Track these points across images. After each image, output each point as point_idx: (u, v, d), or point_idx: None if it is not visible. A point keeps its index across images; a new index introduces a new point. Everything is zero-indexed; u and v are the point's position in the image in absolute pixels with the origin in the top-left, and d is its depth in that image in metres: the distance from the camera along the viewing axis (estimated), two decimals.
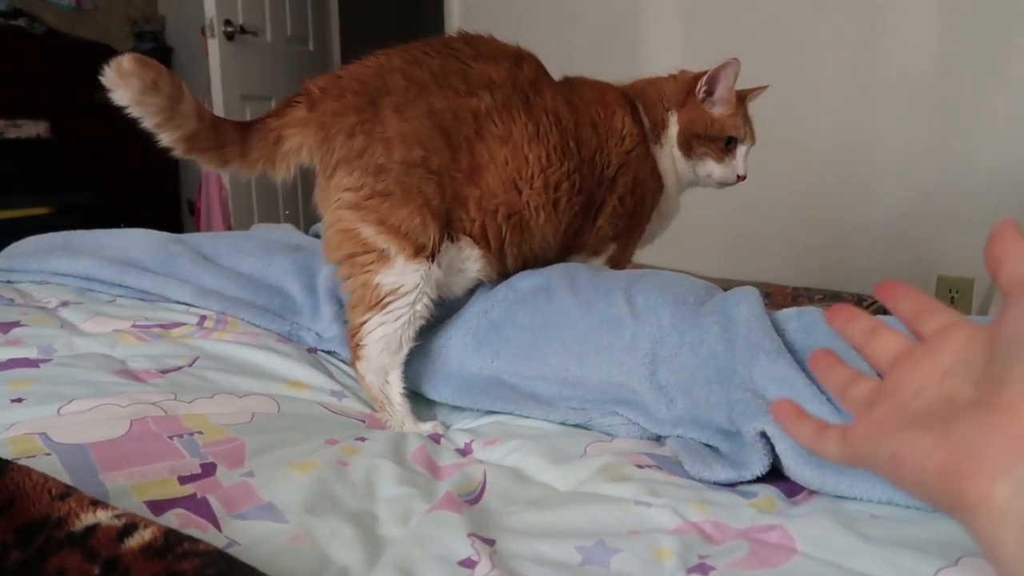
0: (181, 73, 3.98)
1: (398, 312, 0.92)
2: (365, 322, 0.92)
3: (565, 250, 1.13)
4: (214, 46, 2.94)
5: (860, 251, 2.38)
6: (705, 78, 1.21)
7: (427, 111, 0.97)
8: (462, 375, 0.93)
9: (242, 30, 3.02)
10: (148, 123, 0.92)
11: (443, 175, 0.96)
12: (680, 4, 2.59)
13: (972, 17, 2.14)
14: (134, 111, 0.91)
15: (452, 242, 0.98)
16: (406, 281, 0.92)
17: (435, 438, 0.81)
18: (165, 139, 0.95)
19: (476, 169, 0.99)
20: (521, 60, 1.07)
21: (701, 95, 1.21)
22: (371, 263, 0.92)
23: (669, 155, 1.22)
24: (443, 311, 1.01)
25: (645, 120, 1.20)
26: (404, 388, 0.90)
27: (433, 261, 0.94)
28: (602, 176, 1.11)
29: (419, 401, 0.93)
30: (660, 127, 1.21)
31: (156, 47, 3.93)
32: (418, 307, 0.93)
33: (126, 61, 0.87)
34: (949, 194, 2.23)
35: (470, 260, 1.00)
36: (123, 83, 0.88)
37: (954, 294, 2.25)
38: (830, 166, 2.40)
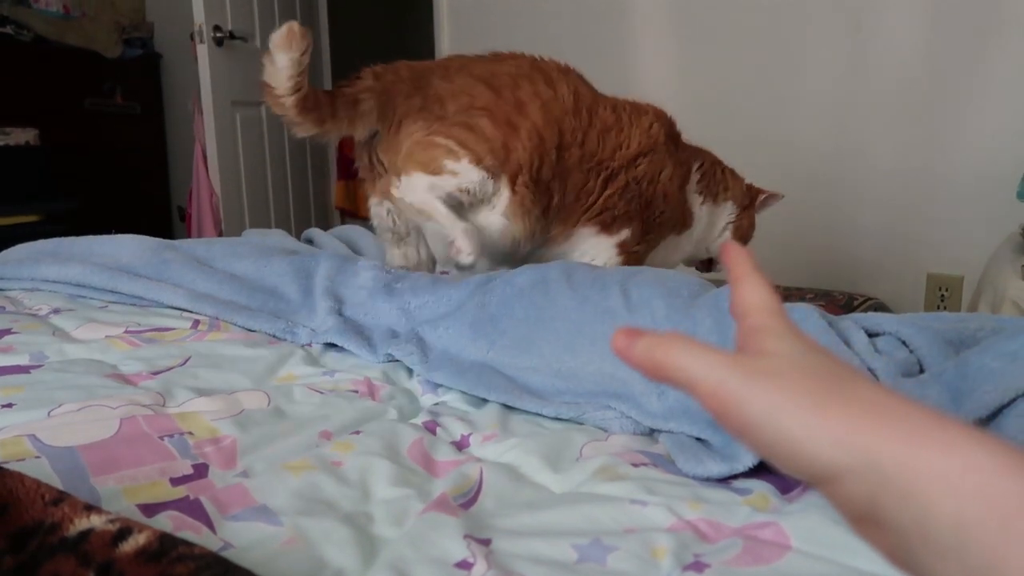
0: (170, 80, 3.99)
1: (446, 181, 1.18)
2: (410, 172, 1.19)
3: (572, 212, 1.33)
4: (203, 52, 2.94)
5: (850, 250, 2.40)
6: (768, 198, 1.58)
7: (468, 74, 1.25)
8: (458, 360, 0.93)
9: (231, 36, 3.02)
10: (289, 79, 1.15)
11: (491, 109, 1.22)
12: (667, 5, 2.60)
13: (957, 17, 2.16)
14: (288, 69, 1.14)
15: (493, 178, 1.22)
16: (463, 172, 1.19)
17: (431, 427, 0.80)
18: (290, 102, 1.17)
19: (520, 104, 1.23)
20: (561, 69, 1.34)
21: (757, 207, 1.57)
22: (438, 153, 1.18)
23: (704, 219, 1.50)
24: (440, 306, 1.02)
25: (698, 168, 1.48)
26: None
27: (488, 174, 1.20)
28: (616, 152, 1.32)
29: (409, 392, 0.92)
30: (714, 196, 1.51)
31: (145, 54, 3.92)
32: (461, 196, 1.20)
33: (295, 25, 1.13)
34: (937, 193, 2.24)
35: (498, 207, 1.24)
36: (289, 42, 1.12)
37: (944, 292, 2.26)
38: (819, 166, 2.41)
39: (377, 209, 1.33)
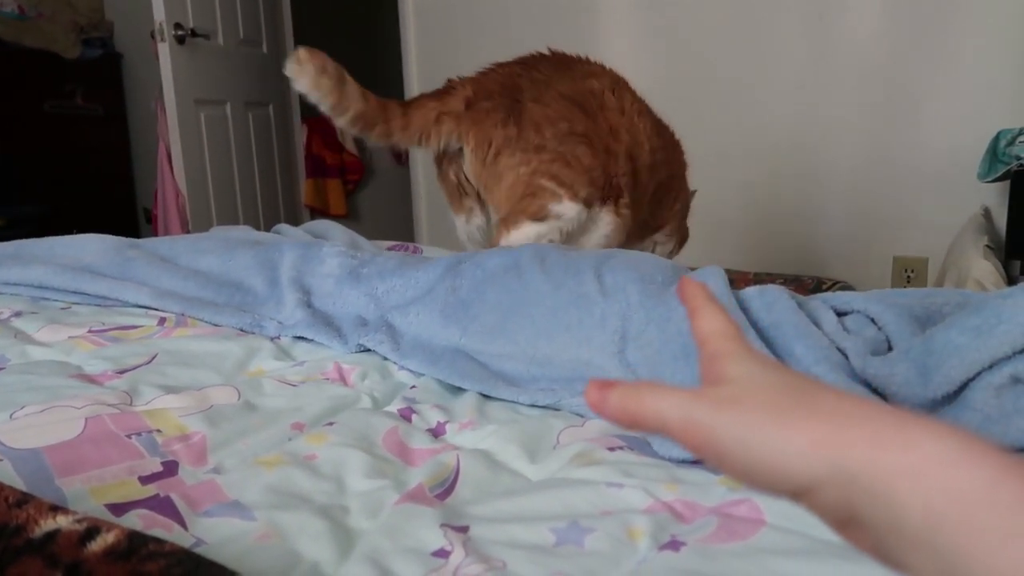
0: (132, 79, 3.92)
1: (551, 227, 1.23)
2: (520, 224, 1.22)
3: (646, 226, 1.44)
4: (165, 51, 2.89)
5: (817, 236, 2.43)
6: None
7: (558, 95, 1.26)
8: (430, 347, 0.93)
9: (193, 33, 2.97)
10: (324, 106, 1.14)
11: (589, 136, 1.25)
12: None
13: (917, 5, 2.19)
14: (312, 96, 1.13)
15: (588, 208, 1.27)
16: (565, 211, 1.24)
17: (406, 414, 0.79)
18: (340, 121, 1.17)
19: (614, 130, 1.28)
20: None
21: None
22: (544, 198, 1.22)
23: None
24: (408, 290, 1.01)
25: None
26: None
27: (587, 207, 1.25)
28: (675, 170, 1.43)
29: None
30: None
31: (105, 53, 3.85)
32: (564, 231, 1.25)
33: (301, 52, 1.10)
34: (901, 178, 2.28)
35: (601, 229, 1.31)
36: (302, 69, 1.09)
37: (910, 273, 2.30)
38: (785, 154, 2.43)
39: (465, 227, 1.40)
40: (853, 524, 0.28)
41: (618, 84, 1.35)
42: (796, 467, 0.28)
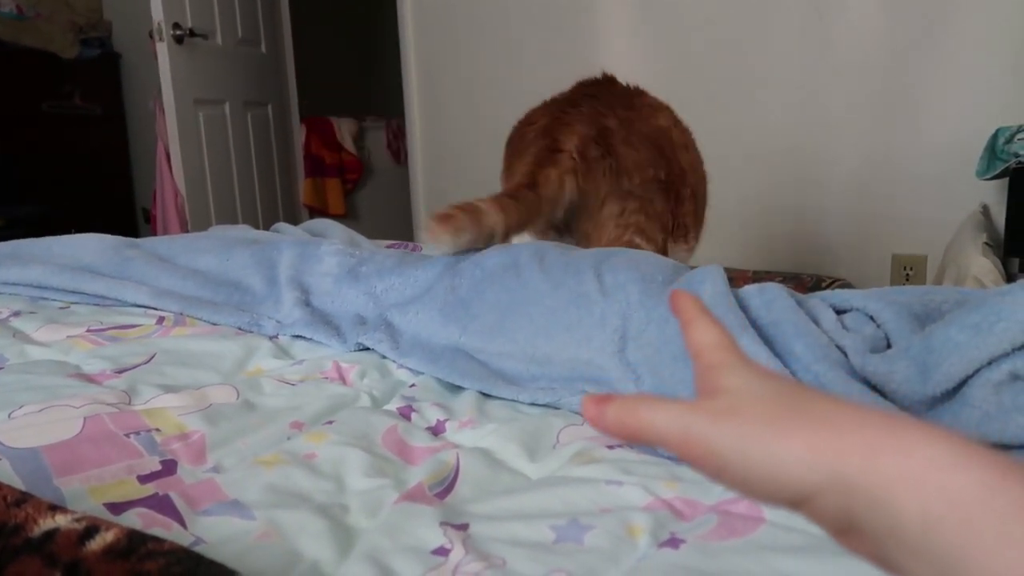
0: (131, 80, 3.92)
1: None
2: None
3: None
4: (163, 50, 2.88)
5: (816, 234, 2.43)
6: None
7: (642, 137, 1.30)
8: (430, 346, 0.92)
9: (191, 33, 2.97)
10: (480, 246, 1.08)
11: (665, 182, 1.30)
12: None
13: (919, 1, 2.19)
14: (463, 250, 1.06)
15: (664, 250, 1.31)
16: None
17: (405, 413, 0.79)
18: (500, 242, 1.15)
19: (683, 171, 1.34)
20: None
21: None
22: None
23: None
24: (407, 289, 1.01)
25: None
26: None
27: (657, 246, 1.29)
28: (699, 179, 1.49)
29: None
30: None
31: (103, 53, 3.84)
32: None
33: (431, 224, 1.02)
34: (900, 176, 2.28)
35: (675, 257, 1.31)
36: (440, 240, 1.02)
37: (908, 271, 2.30)
38: (783, 153, 2.43)
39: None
40: (852, 531, 0.28)
41: (674, 118, 1.41)
42: (795, 476, 0.28)
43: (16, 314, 1.02)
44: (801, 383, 0.34)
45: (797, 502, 0.29)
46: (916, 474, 0.26)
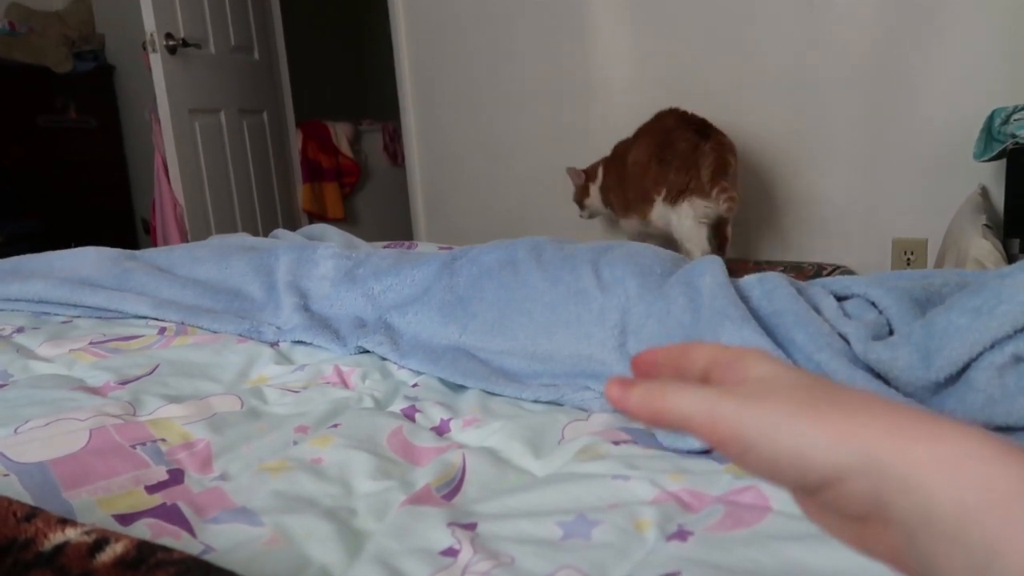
0: (125, 91, 3.92)
1: None
2: None
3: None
4: (157, 61, 2.88)
5: (816, 222, 2.42)
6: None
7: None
8: (430, 346, 0.92)
9: (184, 43, 2.97)
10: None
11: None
12: None
13: None
14: None
15: None
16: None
17: (409, 414, 0.79)
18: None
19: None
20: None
21: None
22: None
23: None
24: (405, 289, 1.01)
25: None
26: None
27: None
28: None
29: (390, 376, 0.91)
30: None
31: (97, 66, 3.84)
32: None
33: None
34: (898, 160, 2.27)
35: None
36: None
37: (909, 255, 2.30)
38: (781, 142, 2.43)
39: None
40: (876, 520, 0.28)
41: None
42: (825, 458, 0.28)
43: (19, 330, 1.02)
44: (824, 377, 0.34)
45: (824, 484, 0.29)
46: (952, 462, 0.26)
